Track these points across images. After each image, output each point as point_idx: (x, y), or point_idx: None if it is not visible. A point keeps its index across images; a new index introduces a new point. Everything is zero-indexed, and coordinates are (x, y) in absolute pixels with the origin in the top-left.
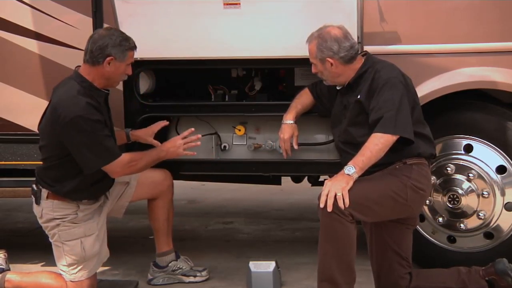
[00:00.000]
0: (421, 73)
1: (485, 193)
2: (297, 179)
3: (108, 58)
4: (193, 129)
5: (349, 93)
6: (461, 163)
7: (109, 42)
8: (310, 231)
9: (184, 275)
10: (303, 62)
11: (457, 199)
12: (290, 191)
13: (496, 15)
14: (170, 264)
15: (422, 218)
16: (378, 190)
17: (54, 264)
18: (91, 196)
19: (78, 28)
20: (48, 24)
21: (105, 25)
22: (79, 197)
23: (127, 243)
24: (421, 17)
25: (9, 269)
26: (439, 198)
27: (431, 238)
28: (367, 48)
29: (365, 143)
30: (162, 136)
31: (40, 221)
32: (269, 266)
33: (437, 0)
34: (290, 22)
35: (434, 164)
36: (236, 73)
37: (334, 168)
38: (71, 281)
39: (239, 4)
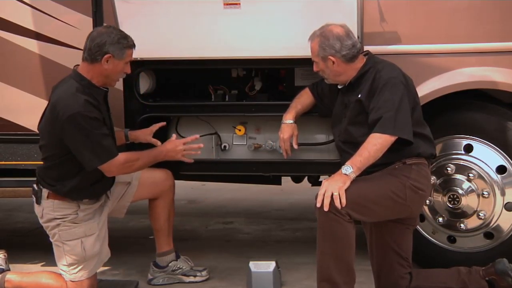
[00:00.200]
0: (421, 73)
1: (485, 193)
2: (297, 179)
3: (106, 56)
4: (197, 136)
5: (350, 92)
6: (461, 163)
7: (107, 39)
8: (310, 231)
9: (184, 275)
10: (303, 62)
11: (457, 199)
12: (290, 191)
13: (496, 15)
14: (170, 264)
15: (422, 218)
16: (376, 190)
17: (54, 264)
18: (91, 196)
19: (78, 28)
20: (48, 24)
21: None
22: (79, 197)
23: (127, 243)
24: (421, 17)
25: (9, 269)
26: (439, 198)
27: (431, 238)
28: (367, 48)
29: (364, 143)
30: (162, 136)
31: (41, 221)
32: (269, 266)
33: (437, 0)
34: (290, 22)
35: (434, 164)
36: (236, 73)
37: (335, 168)
38: (71, 281)
39: (239, 4)
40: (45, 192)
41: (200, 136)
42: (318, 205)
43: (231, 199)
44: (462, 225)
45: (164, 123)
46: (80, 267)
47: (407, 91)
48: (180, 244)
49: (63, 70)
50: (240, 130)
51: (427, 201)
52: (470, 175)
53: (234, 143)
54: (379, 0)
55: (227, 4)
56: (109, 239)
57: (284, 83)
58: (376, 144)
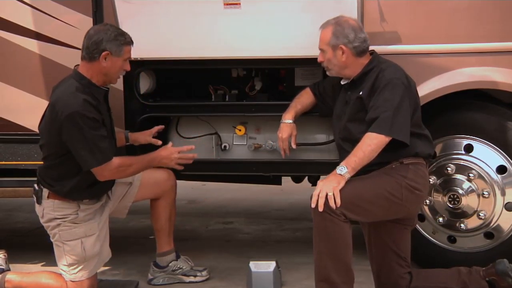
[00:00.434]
0: (422, 73)
1: (485, 193)
2: (297, 179)
3: (103, 53)
4: (193, 146)
5: (352, 89)
6: (461, 163)
7: (104, 37)
8: (310, 231)
9: (185, 275)
10: (304, 62)
11: (458, 199)
12: (290, 191)
13: (496, 15)
14: (170, 264)
15: (423, 218)
16: (371, 189)
17: (54, 264)
18: (91, 196)
19: (79, 28)
20: (49, 24)
21: None
22: (79, 197)
23: (127, 243)
24: (421, 17)
25: (9, 269)
26: (440, 198)
27: (431, 238)
28: None
29: (359, 142)
30: (163, 136)
31: (41, 220)
32: (269, 266)
33: (437, 0)
34: (290, 22)
35: (434, 164)
36: (237, 73)
37: (335, 168)
38: (71, 281)
39: (239, 4)
40: (45, 192)
41: (200, 136)
42: (313, 205)
43: (231, 199)
44: (462, 225)
45: (162, 126)
46: (80, 267)
47: (408, 93)
48: (180, 244)
49: (63, 70)
50: (240, 130)
51: (427, 201)
52: (470, 175)
53: (234, 143)
54: (379, 0)
55: (227, 4)
56: (109, 239)
57: (284, 83)
58: (370, 144)
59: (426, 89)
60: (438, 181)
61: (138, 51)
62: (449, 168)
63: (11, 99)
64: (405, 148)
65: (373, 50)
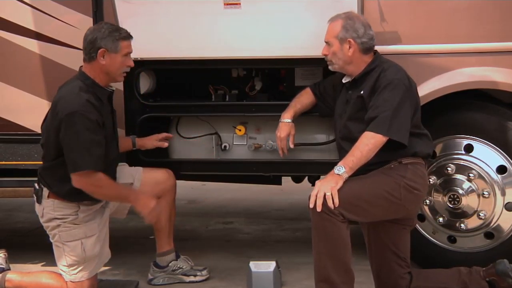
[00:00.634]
0: (422, 73)
1: (485, 193)
2: (297, 179)
3: (100, 51)
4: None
5: (353, 88)
6: (461, 163)
7: (98, 35)
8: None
9: (185, 274)
10: (304, 62)
11: (458, 199)
12: (290, 191)
13: (496, 15)
14: (170, 264)
15: (423, 218)
16: (370, 189)
17: (54, 264)
18: (89, 197)
19: (79, 28)
20: (49, 24)
21: None
22: (79, 199)
23: (127, 243)
24: (421, 17)
25: (9, 269)
26: (440, 198)
27: (431, 238)
28: None
29: (356, 142)
30: None
31: (41, 220)
32: (269, 266)
33: (437, 0)
34: (290, 22)
35: (434, 164)
36: (237, 73)
37: None
38: (71, 281)
39: (240, 4)
40: (45, 191)
41: (201, 136)
42: (311, 205)
43: (231, 199)
44: (462, 225)
45: (170, 135)
46: (80, 268)
47: (409, 94)
48: (180, 244)
49: (63, 70)
50: (240, 130)
51: (427, 201)
52: (471, 175)
53: (234, 143)
54: (379, 0)
55: (227, 4)
56: (109, 239)
57: (284, 83)
58: (368, 144)
59: (426, 89)
60: (438, 181)
61: (138, 51)
62: (449, 168)
63: (11, 99)
64: (404, 148)
65: (376, 50)
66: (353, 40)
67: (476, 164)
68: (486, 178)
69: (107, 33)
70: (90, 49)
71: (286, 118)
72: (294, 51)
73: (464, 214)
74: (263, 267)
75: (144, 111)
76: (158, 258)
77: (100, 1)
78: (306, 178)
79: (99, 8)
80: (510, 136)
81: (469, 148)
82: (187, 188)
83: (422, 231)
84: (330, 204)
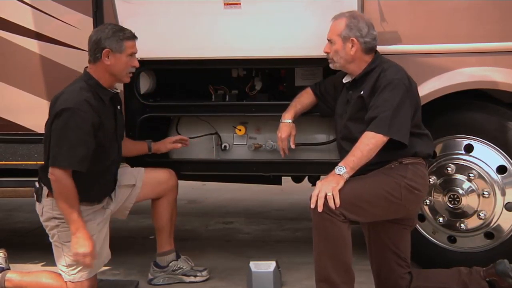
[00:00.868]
0: (422, 73)
1: (485, 193)
2: (297, 179)
3: (104, 51)
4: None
5: (354, 89)
6: (461, 163)
7: (102, 35)
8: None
9: (185, 275)
10: (304, 62)
11: (458, 199)
12: (290, 191)
13: (496, 15)
14: (170, 264)
15: (423, 218)
16: (370, 189)
17: (54, 264)
18: (88, 199)
19: (79, 28)
20: (49, 24)
21: None
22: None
23: (127, 243)
24: (421, 17)
25: (9, 269)
26: (440, 198)
27: (431, 238)
28: None
29: (357, 142)
30: (163, 135)
31: (41, 219)
32: (269, 266)
33: (437, 0)
34: (290, 22)
35: (434, 164)
36: (237, 73)
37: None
38: (70, 281)
39: (240, 4)
40: (45, 190)
41: (201, 136)
42: (312, 206)
43: (231, 199)
44: (462, 225)
45: (187, 139)
46: (79, 268)
47: (409, 94)
48: (180, 244)
49: (63, 70)
50: (240, 130)
51: (427, 201)
52: (471, 175)
53: (234, 143)
54: (379, 0)
55: (227, 4)
56: (109, 239)
57: (284, 83)
58: (368, 144)
59: (426, 89)
60: (438, 181)
61: (138, 51)
62: (449, 168)
63: (11, 99)
64: (404, 148)
65: (376, 50)
66: (356, 39)
67: (476, 164)
68: (486, 178)
69: (111, 34)
70: (95, 49)
71: (287, 118)
72: (294, 51)
73: (464, 214)
74: (263, 267)
75: (144, 111)
76: (158, 258)
77: (100, 1)
78: (306, 178)
79: (99, 8)
80: (510, 136)
81: (469, 148)
82: (187, 188)
83: (422, 231)
84: (331, 204)
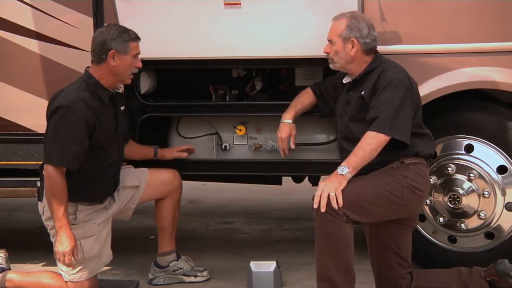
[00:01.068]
0: (422, 73)
1: (485, 193)
2: (297, 179)
3: (110, 52)
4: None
5: (354, 89)
6: (462, 163)
7: (108, 36)
8: (310, 231)
9: (185, 275)
10: (304, 62)
11: (458, 199)
12: (290, 191)
13: (496, 15)
14: (171, 264)
15: (423, 218)
16: (373, 190)
17: (54, 264)
18: (86, 199)
19: (79, 28)
20: (49, 24)
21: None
22: (75, 198)
23: (127, 243)
24: (421, 17)
25: (9, 269)
26: (440, 198)
27: (431, 238)
28: None
29: (359, 142)
30: (163, 136)
31: (42, 218)
32: (269, 266)
33: (437, 0)
34: (290, 22)
35: (435, 164)
36: (237, 73)
37: (335, 168)
38: (70, 281)
39: (240, 4)
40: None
41: (201, 136)
42: (315, 206)
43: (231, 199)
44: (462, 225)
45: (192, 147)
46: (79, 268)
47: (410, 94)
48: (180, 244)
49: (63, 70)
50: (240, 130)
51: (428, 201)
52: (471, 175)
53: (234, 143)
54: (379, 0)
55: (227, 4)
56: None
57: (284, 83)
58: (370, 143)
59: (427, 89)
60: (439, 181)
61: None
62: (449, 168)
63: (11, 99)
64: (406, 148)
65: (376, 50)
66: (357, 40)
67: (477, 164)
68: (487, 178)
69: (116, 35)
70: (100, 50)
71: (287, 119)
72: (294, 51)
73: (464, 214)
74: (264, 267)
75: (145, 111)
76: (159, 258)
77: (100, 1)
78: (307, 178)
79: (99, 8)
80: (511, 136)
81: (469, 148)
82: (188, 188)
83: (423, 231)
84: (334, 204)
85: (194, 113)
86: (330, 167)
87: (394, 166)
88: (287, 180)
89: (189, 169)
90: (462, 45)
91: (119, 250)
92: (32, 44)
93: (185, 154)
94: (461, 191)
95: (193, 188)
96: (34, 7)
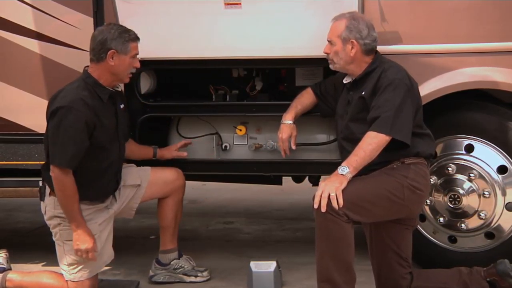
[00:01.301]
0: (422, 73)
1: (486, 193)
2: (298, 179)
3: (110, 52)
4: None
5: (354, 89)
6: (462, 163)
7: (108, 36)
8: (311, 231)
9: (186, 274)
10: (304, 62)
11: (458, 199)
12: (290, 191)
13: (496, 15)
14: (172, 262)
15: (423, 218)
16: (373, 190)
17: (55, 264)
18: (88, 198)
19: (79, 28)
20: (49, 24)
21: None
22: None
23: (127, 243)
24: (421, 17)
25: (10, 269)
26: (440, 198)
27: (432, 238)
28: None
29: (360, 142)
30: (163, 136)
31: (44, 218)
32: (270, 266)
33: (437, 0)
34: (290, 22)
35: (435, 164)
36: (237, 73)
37: (335, 168)
38: (71, 280)
39: (240, 4)
40: (48, 189)
41: (201, 136)
42: (316, 206)
43: (232, 199)
44: (463, 225)
45: (190, 141)
46: (80, 267)
47: (410, 93)
48: (181, 244)
49: (63, 70)
50: (241, 130)
51: (428, 201)
52: (471, 175)
53: (235, 143)
54: (379, 0)
55: (228, 4)
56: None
57: (285, 83)
58: (371, 143)
59: (427, 89)
60: (439, 181)
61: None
62: (449, 168)
63: (11, 99)
64: (406, 148)
65: (376, 50)
66: (356, 41)
67: (477, 164)
68: (487, 178)
69: (117, 35)
70: (100, 49)
71: (288, 119)
72: (294, 51)
73: (464, 214)
74: (264, 267)
75: (145, 111)
76: (161, 255)
77: (100, 1)
78: (307, 178)
79: (99, 8)
80: (511, 136)
81: (469, 148)
82: (188, 188)
83: (423, 231)
84: (334, 204)
85: (194, 113)
86: (330, 167)
87: (395, 166)
88: (287, 180)
89: (190, 169)
90: (462, 45)
91: (119, 250)
92: (32, 44)
93: (185, 154)
94: (461, 191)
95: (193, 188)
96: (34, 7)
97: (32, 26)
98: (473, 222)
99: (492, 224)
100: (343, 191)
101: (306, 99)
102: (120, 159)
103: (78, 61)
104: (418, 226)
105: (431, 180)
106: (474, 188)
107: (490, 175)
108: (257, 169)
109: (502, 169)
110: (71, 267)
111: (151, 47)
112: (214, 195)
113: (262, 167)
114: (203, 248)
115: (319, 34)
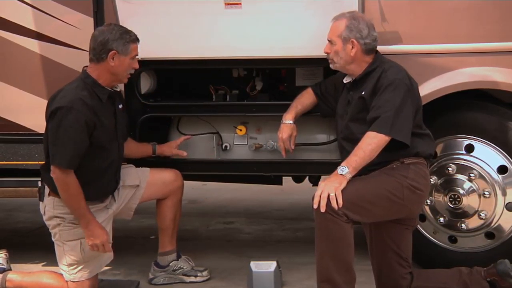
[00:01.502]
0: (422, 73)
1: (486, 193)
2: (298, 179)
3: (111, 53)
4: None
5: (354, 89)
6: (462, 163)
7: (110, 36)
8: (311, 231)
9: (185, 275)
10: (304, 62)
11: (458, 199)
12: (290, 191)
13: (496, 15)
14: (171, 264)
15: (423, 218)
16: (373, 190)
17: (55, 264)
18: (87, 198)
19: (79, 28)
20: (49, 24)
21: None
22: None
23: (127, 243)
24: (421, 17)
25: (10, 269)
26: (440, 198)
27: (432, 238)
28: None
29: (359, 142)
30: (163, 136)
31: (44, 218)
32: (270, 266)
33: (437, 0)
34: (291, 22)
35: (435, 164)
36: (237, 73)
37: (335, 168)
38: (71, 281)
39: (240, 4)
40: (47, 189)
41: (202, 134)
42: (315, 206)
43: (232, 199)
44: (463, 225)
45: (190, 136)
46: (79, 268)
47: (410, 94)
48: (181, 244)
49: (63, 70)
50: (241, 130)
51: (428, 201)
52: (471, 175)
53: (235, 143)
54: (379, 0)
55: (228, 4)
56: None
57: (285, 83)
58: (371, 143)
59: (427, 89)
60: (439, 181)
61: (139, 51)
62: (450, 168)
63: (11, 99)
64: (406, 148)
65: (376, 50)
66: (356, 40)
67: (477, 164)
68: (487, 178)
69: (118, 35)
70: (100, 50)
71: (288, 119)
72: (294, 51)
73: (465, 214)
74: (264, 267)
75: (145, 111)
76: (159, 258)
77: (100, 1)
78: (307, 178)
79: (99, 8)
80: (511, 136)
81: (469, 148)
82: (188, 188)
83: (423, 231)
84: (334, 204)
85: (194, 113)
86: (330, 167)
87: (394, 166)
88: (287, 180)
89: (190, 169)
90: (462, 45)
91: (119, 250)
92: (32, 44)
93: (185, 154)
94: (461, 191)
95: (193, 188)
96: (34, 7)
97: (32, 26)
98: (473, 222)
99: (492, 224)
100: (342, 191)
101: (306, 99)
102: (119, 159)
103: (78, 61)
104: (418, 226)
105: (431, 180)
106: (474, 188)
107: (490, 175)
108: (257, 169)
109: (502, 169)
110: (71, 267)
111: (151, 47)
112: (214, 195)
113: (262, 167)
114: (203, 248)
115: (319, 34)
